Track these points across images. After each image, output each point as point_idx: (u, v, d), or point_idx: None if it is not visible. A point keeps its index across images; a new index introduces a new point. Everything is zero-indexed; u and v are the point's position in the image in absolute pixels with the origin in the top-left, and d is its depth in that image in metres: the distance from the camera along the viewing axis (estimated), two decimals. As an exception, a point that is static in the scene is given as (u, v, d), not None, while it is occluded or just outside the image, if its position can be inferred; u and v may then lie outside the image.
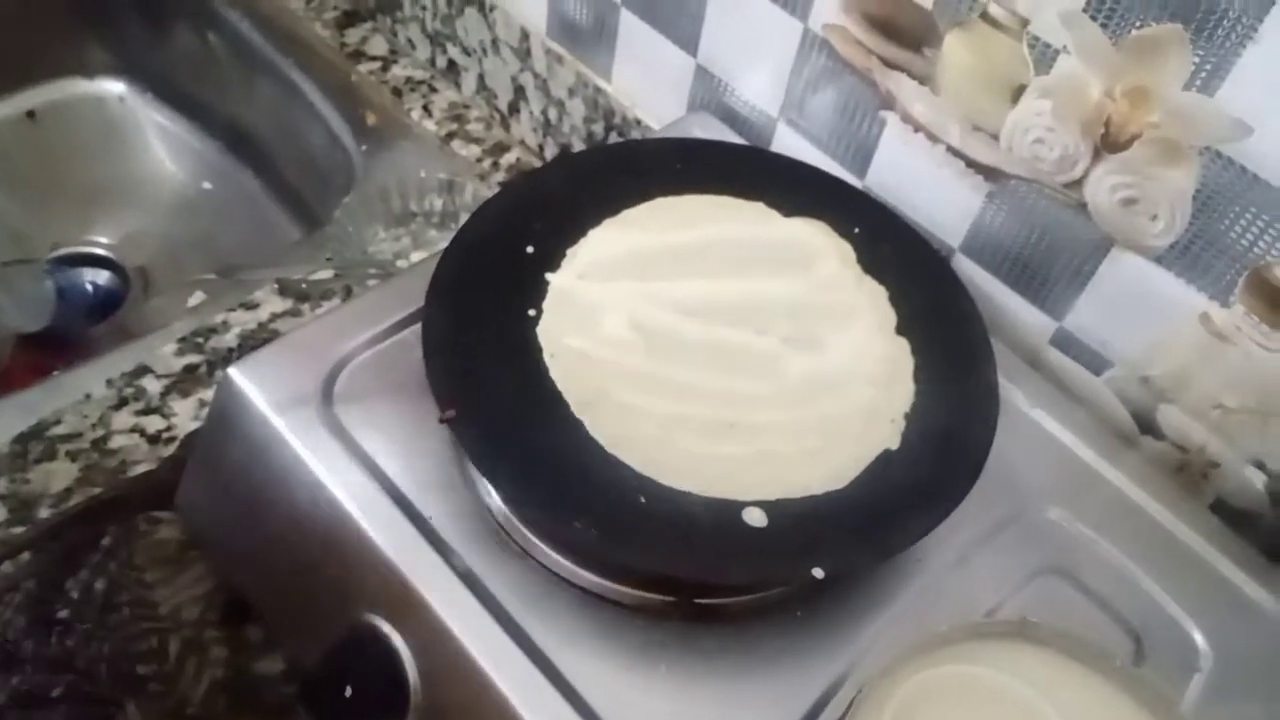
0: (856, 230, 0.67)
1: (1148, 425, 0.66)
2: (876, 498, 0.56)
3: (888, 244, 0.67)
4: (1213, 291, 0.59)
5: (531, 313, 0.62)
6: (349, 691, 0.56)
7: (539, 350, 0.61)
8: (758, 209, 0.68)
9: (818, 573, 0.52)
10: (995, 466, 0.62)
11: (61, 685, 0.62)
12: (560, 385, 0.59)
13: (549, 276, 0.64)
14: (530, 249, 0.65)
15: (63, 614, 0.64)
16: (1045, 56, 0.59)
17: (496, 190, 0.80)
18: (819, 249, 0.66)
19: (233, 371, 0.61)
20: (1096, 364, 0.66)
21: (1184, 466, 0.65)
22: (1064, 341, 0.67)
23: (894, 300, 0.64)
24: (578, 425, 0.58)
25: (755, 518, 0.55)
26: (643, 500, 0.55)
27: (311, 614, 0.60)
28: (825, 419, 0.59)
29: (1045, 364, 0.69)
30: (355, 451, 0.59)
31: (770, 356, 0.61)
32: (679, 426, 0.58)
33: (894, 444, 0.58)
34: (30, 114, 1.20)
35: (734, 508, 0.55)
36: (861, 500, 0.56)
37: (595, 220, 0.67)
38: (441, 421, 0.56)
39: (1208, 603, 0.59)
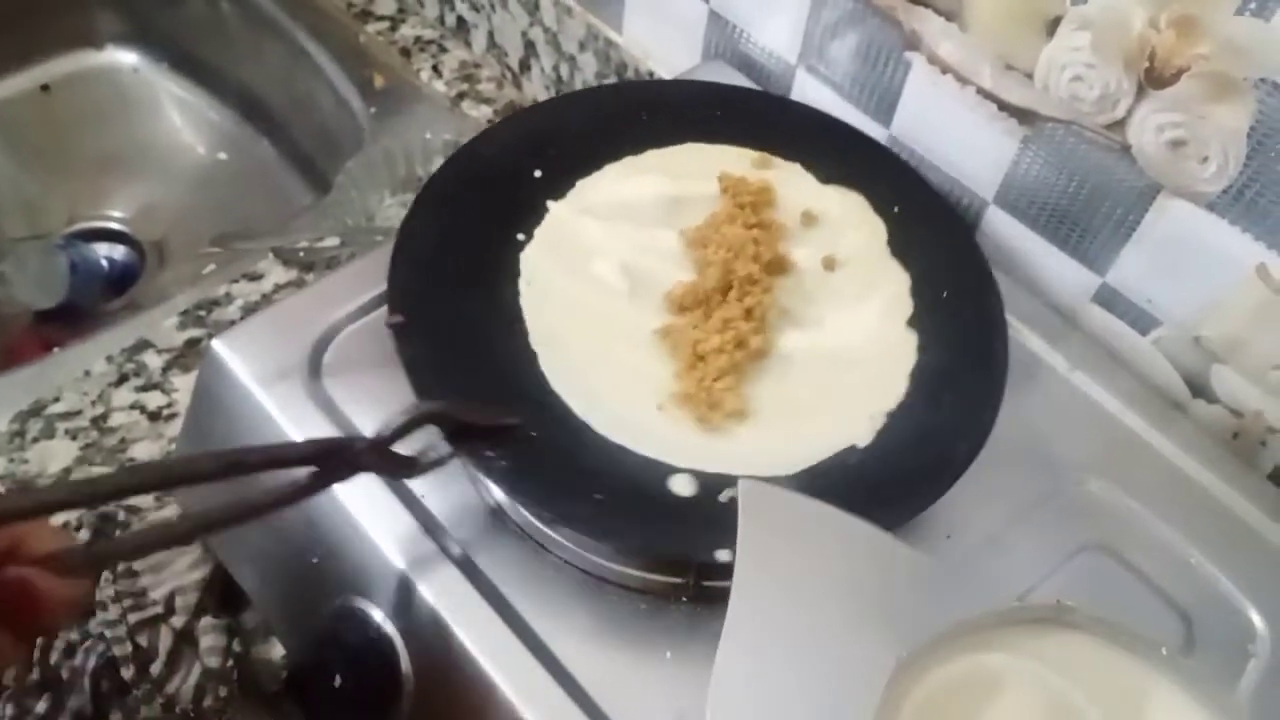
0: (896, 209, 0.63)
1: (1200, 388, 0.61)
2: (818, 490, 0.49)
3: (925, 228, 0.62)
4: (1271, 240, 0.54)
5: (520, 237, 0.61)
6: (339, 680, 0.53)
7: (516, 275, 0.59)
8: (794, 170, 0.65)
9: (722, 555, 0.47)
10: (1029, 435, 0.58)
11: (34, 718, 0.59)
12: (526, 314, 0.57)
13: (550, 204, 0.62)
14: (538, 173, 0.63)
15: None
16: (1083, -16, 0.54)
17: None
18: (849, 223, 0.62)
19: (216, 343, 0.59)
20: (1143, 323, 0.61)
21: (1239, 433, 0.60)
22: (1107, 299, 0.62)
23: (915, 290, 0.60)
24: (531, 358, 0.56)
25: (682, 485, 0.52)
26: (570, 448, 0.52)
27: (301, 599, 0.57)
28: (794, 400, 0.55)
29: (1087, 323, 0.64)
30: (344, 427, 0.56)
31: (776, 311, 0.58)
32: (636, 381, 0.55)
33: (862, 441, 0.54)
34: (44, 87, 1.19)
35: (663, 471, 0.52)
36: (799, 490, 0.49)
37: (615, 156, 0.64)
38: (388, 325, 0.53)
39: (1266, 581, 0.55)
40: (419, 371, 0.52)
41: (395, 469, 0.50)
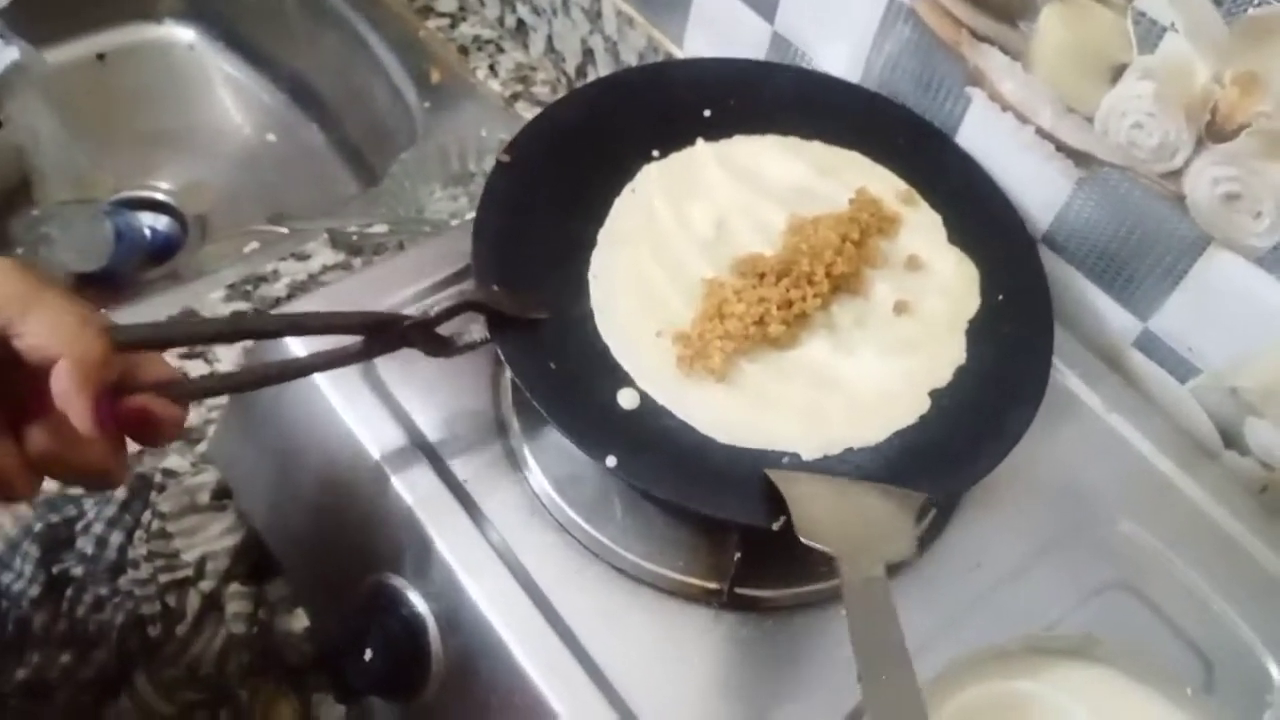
0: (1000, 298, 0.61)
1: (1233, 439, 0.61)
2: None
3: (1013, 325, 0.60)
4: (1317, 299, 0.54)
5: (655, 154, 0.65)
6: (369, 655, 0.53)
7: (627, 181, 0.64)
8: (932, 219, 0.65)
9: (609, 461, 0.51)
10: (1062, 473, 0.59)
11: (59, 669, 0.61)
12: (613, 214, 0.62)
13: (700, 140, 0.66)
14: (708, 113, 0.67)
15: (76, 572, 0.63)
16: (1150, 35, 0.55)
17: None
18: (947, 288, 0.61)
19: (273, 317, 0.59)
20: (1182, 370, 0.62)
21: (1269, 486, 0.60)
22: (1148, 344, 0.63)
23: (962, 371, 0.58)
24: (589, 250, 0.61)
25: (627, 398, 0.55)
26: (563, 339, 0.56)
27: (336, 572, 0.58)
28: (773, 396, 0.56)
29: (1126, 367, 0.64)
30: (393, 408, 0.57)
31: (823, 320, 0.59)
32: (656, 307, 0.58)
33: (805, 455, 0.54)
34: (100, 56, 1.20)
35: (622, 382, 0.56)
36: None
37: (783, 131, 0.67)
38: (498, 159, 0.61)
39: (1285, 631, 0.55)
40: (481, 255, 0.57)
41: (435, 347, 0.54)
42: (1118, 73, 0.57)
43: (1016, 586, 0.55)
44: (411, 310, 0.55)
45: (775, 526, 0.49)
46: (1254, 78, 0.52)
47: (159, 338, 0.46)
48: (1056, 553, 0.56)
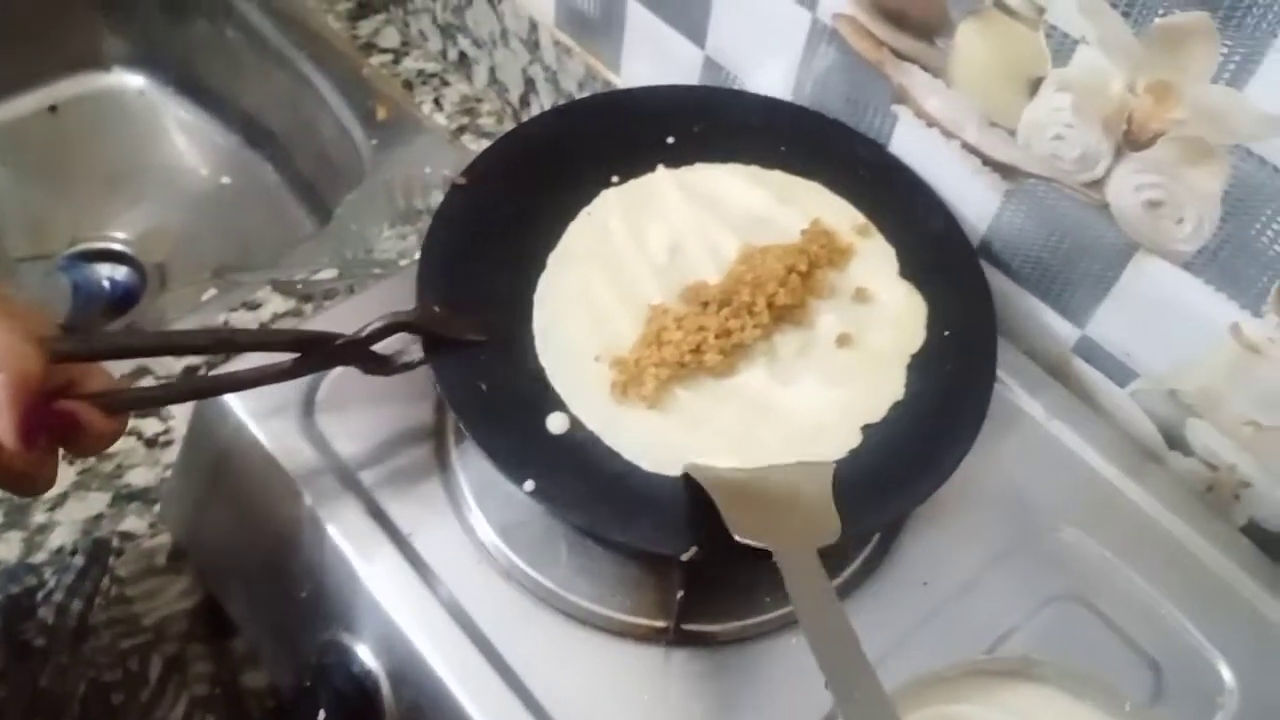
0: (946, 333, 0.61)
1: (1176, 441, 0.62)
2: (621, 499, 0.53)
3: (958, 362, 0.59)
4: (1244, 300, 0.55)
5: (615, 179, 0.65)
6: (323, 715, 0.54)
7: (584, 204, 0.64)
8: (885, 252, 0.64)
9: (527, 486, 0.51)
10: (1007, 484, 0.60)
11: None
12: (567, 235, 0.62)
13: (661, 166, 0.66)
14: (671, 140, 0.67)
15: (39, 642, 0.63)
16: (1064, 47, 0.55)
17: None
18: (894, 321, 0.61)
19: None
20: (1122, 375, 0.62)
21: (1214, 486, 0.61)
22: (1087, 350, 0.63)
23: (899, 407, 0.58)
24: (538, 271, 0.61)
25: (556, 422, 0.55)
26: (501, 359, 0.56)
27: (288, 632, 0.58)
28: (705, 422, 0.56)
29: (1068, 374, 0.65)
30: (335, 464, 0.57)
31: (764, 349, 0.59)
32: (599, 330, 0.59)
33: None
34: (52, 108, 1.20)
35: (554, 405, 0.56)
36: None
37: (745, 160, 0.67)
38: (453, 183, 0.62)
39: (1236, 633, 0.56)
40: (425, 276, 0.58)
41: (373, 366, 0.55)
42: (1035, 86, 0.57)
43: (965, 602, 0.55)
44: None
45: (684, 557, 0.49)
46: (1167, 86, 0.52)
47: (93, 350, 0.48)
48: (1004, 565, 0.57)
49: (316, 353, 0.53)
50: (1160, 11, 0.51)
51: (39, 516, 0.69)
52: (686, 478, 0.53)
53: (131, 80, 1.22)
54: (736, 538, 0.47)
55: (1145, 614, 0.56)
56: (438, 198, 0.88)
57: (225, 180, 1.17)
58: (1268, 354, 0.55)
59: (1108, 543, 0.58)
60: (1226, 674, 0.54)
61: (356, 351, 0.54)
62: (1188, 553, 0.58)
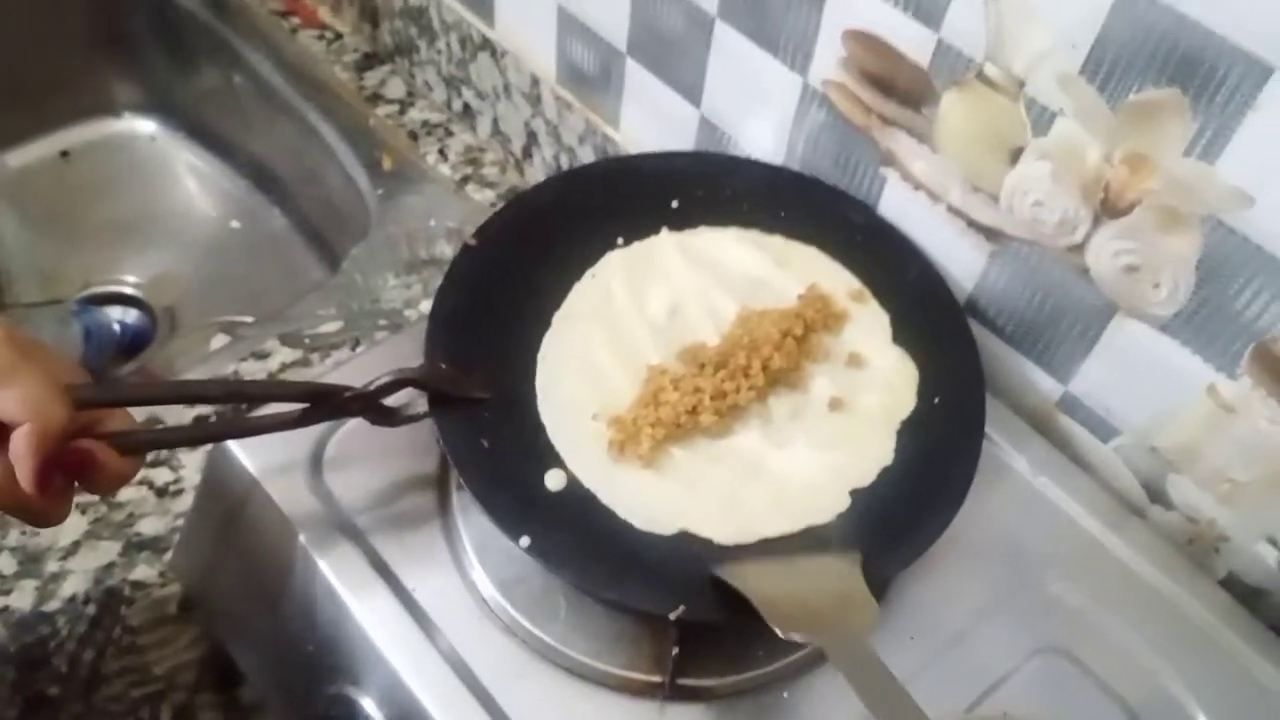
0: (936, 401, 0.62)
1: (1157, 495, 0.63)
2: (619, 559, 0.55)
3: (949, 429, 0.61)
4: (1220, 363, 0.57)
5: (620, 241, 0.67)
6: (329, 766, 0.55)
7: (589, 266, 0.66)
8: (878, 318, 0.66)
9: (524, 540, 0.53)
10: (993, 538, 0.61)
11: None
12: (571, 297, 0.65)
13: (665, 229, 0.68)
14: (675, 203, 0.69)
15: (53, 691, 0.65)
16: (1043, 119, 0.57)
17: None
18: (886, 386, 0.62)
19: (224, 438, 0.61)
20: (1104, 431, 0.64)
21: (1194, 539, 0.62)
22: (1071, 406, 0.65)
23: (885, 475, 0.59)
24: (543, 329, 0.63)
25: (554, 479, 0.57)
26: (504, 415, 0.59)
27: (295, 684, 0.60)
28: (701, 483, 0.58)
29: (1053, 429, 0.67)
30: (342, 521, 0.59)
31: (759, 411, 0.61)
32: (598, 389, 0.61)
33: (718, 539, 0.56)
34: (64, 154, 1.23)
35: (552, 462, 0.58)
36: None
37: (746, 224, 0.70)
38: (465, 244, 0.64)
39: (1214, 684, 0.57)
40: (433, 334, 0.60)
41: (379, 418, 0.57)
42: (1016, 154, 0.59)
43: (952, 656, 0.57)
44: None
45: (673, 616, 0.51)
46: (1142, 158, 0.54)
47: (112, 399, 0.51)
48: (990, 619, 0.58)
49: (325, 404, 0.55)
50: (1135, 88, 0.53)
51: (52, 565, 0.71)
52: (715, 579, 0.52)
53: (143, 126, 1.25)
54: (782, 635, 0.47)
55: (1127, 665, 0.57)
56: (443, 248, 0.91)
57: (235, 225, 1.20)
58: (1243, 414, 0.57)
59: (1092, 595, 0.59)
60: (1204, 722, 0.56)
61: (364, 404, 0.56)
62: (1169, 605, 0.60)
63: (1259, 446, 0.57)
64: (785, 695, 0.55)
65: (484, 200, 0.97)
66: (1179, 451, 0.61)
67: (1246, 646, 0.59)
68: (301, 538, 0.58)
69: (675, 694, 0.54)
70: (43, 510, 0.46)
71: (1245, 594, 0.61)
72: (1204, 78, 0.50)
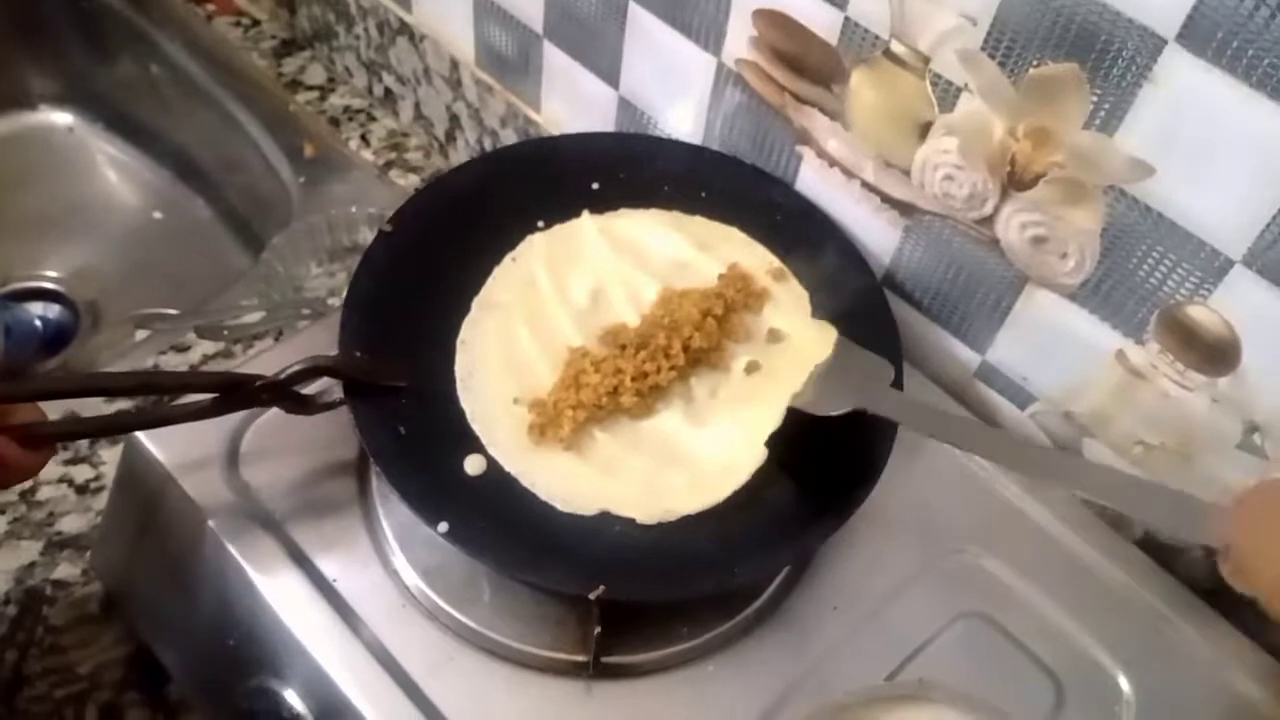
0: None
1: (1073, 460, 0.65)
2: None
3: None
4: (1127, 329, 0.58)
5: (540, 224, 0.67)
6: (254, 761, 0.55)
7: (509, 250, 0.66)
8: (799, 295, 0.66)
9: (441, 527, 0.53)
10: (913, 507, 0.62)
11: None
12: (491, 280, 0.64)
13: (587, 213, 0.68)
14: (596, 185, 0.69)
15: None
16: (948, 94, 0.58)
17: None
18: (805, 356, 0.62)
19: (138, 432, 0.60)
20: (1021, 398, 0.65)
21: (1109, 503, 0.64)
22: (988, 375, 0.66)
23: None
24: (462, 315, 0.63)
25: (474, 464, 0.57)
26: (422, 403, 0.58)
27: (218, 678, 0.59)
28: (620, 464, 0.58)
29: (971, 397, 0.68)
30: (258, 511, 0.58)
31: (680, 391, 0.61)
32: (519, 374, 0.61)
33: (640, 519, 0.56)
34: (-20, 147, 1.20)
35: (473, 447, 0.58)
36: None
37: (667, 206, 0.69)
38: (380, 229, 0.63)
39: (1132, 643, 0.59)
40: (348, 322, 0.59)
41: (294, 406, 0.57)
42: (925, 130, 0.60)
43: (875, 624, 0.58)
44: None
45: (593, 596, 0.51)
46: (1044, 132, 0.55)
47: (20, 392, 0.51)
48: (912, 587, 0.59)
49: (237, 394, 0.54)
50: (1034, 62, 0.53)
51: (-28, 565, 0.69)
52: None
53: (59, 118, 1.22)
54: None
55: (1045, 628, 0.58)
56: (366, 235, 0.90)
57: (157, 216, 1.17)
58: (1151, 378, 0.58)
59: (1010, 560, 0.61)
60: (1124, 683, 0.57)
61: (277, 393, 0.55)
62: (1086, 568, 0.61)
63: (1167, 409, 0.58)
64: (710, 668, 0.55)
65: (408, 185, 0.96)
66: (1092, 416, 0.62)
67: (1164, 605, 0.60)
68: (213, 526, 0.57)
69: (601, 672, 0.54)
70: None
71: (1161, 553, 0.62)
72: (1100, 51, 0.51)
